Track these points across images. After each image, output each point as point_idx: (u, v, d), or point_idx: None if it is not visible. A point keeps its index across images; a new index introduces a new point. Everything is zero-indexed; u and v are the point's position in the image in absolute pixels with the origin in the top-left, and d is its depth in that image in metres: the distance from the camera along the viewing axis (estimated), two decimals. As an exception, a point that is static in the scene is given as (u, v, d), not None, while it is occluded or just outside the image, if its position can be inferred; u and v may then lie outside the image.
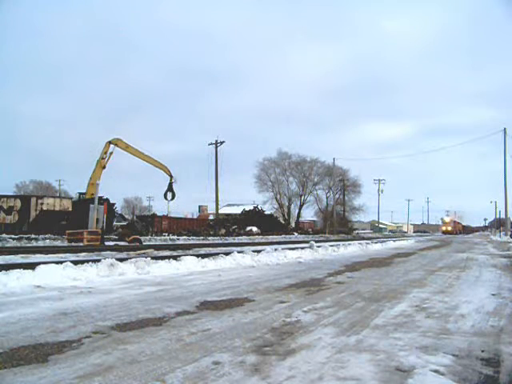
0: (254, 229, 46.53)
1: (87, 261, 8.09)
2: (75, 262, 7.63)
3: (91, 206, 18.63)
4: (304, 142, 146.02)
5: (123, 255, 11.59)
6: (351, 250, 17.77)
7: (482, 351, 3.24)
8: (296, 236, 45.84)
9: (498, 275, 8.94)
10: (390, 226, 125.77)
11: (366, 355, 3.08)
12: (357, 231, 73.52)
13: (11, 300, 4.92)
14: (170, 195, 30.96)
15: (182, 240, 28.24)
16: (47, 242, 19.73)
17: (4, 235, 21.73)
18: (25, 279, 6.09)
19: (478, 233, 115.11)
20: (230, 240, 30.71)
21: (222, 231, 41.02)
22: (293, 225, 63.18)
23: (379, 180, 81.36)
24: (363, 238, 38.60)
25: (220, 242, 26.68)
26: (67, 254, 11.69)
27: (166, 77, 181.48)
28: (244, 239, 32.53)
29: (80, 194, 30.18)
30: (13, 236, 21.46)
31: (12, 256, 10.57)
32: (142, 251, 13.31)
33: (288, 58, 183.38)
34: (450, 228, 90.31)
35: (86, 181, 28.21)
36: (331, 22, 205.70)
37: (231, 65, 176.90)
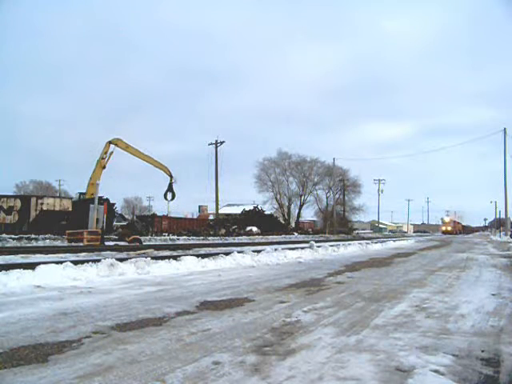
0: (254, 229, 46.53)
1: (87, 261, 8.09)
2: (75, 262, 7.63)
3: (91, 206, 18.62)
4: (304, 141, 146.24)
5: (123, 255, 11.59)
6: (351, 249, 17.77)
7: (482, 351, 3.24)
8: (296, 236, 45.84)
9: (498, 275, 8.94)
10: (390, 225, 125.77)
11: (366, 355, 3.08)
12: (357, 231, 73.52)
13: (11, 300, 4.92)
14: (169, 195, 30.97)
15: (182, 240, 28.23)
16: (47, 242, 19.73)
17: (4, 235, 21.72)
18: (25, 279, 6.09)
19: (477, 233, 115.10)
20: (230, 240, 30.71)
21: (222, 231, 41.01)
22: (293, 225, 63.18)
23: (379, 180, 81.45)
24: (363, 238, 38.60)
25: (220, 241, 26.68)
26: (67, 254, 11.69)
27: (165, 77, 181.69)
28: (244, 239, 32.53)
29: (80, 193, 30.19)
30: (13, 236, 21.46)
31: (12, 256, 10.57)
32: (142, 251, 13.31)
33: (288, 58, 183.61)
34: (449, 228, 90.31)
35: (85, 181, 28.28)
36: (331, 22, 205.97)
37: (231, 65, 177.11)
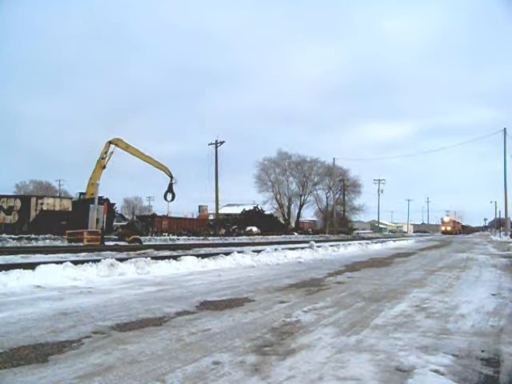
0: (254, 229, 46.53)
1: (87, 261, 8.09)
2: (75, 262, 7.63)
3: (91, 206, 18.62)
4: (304, 141, 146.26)
5: (123, 255, 11.59)
6: (351, 249, 17.77)
7: (482, 351, 3.24)
8: (296, 236, 45.84)
9: (497, 275, 8.94)
10: (390, 225, 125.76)
11: (366, 355, 3.08)
12: (357, 231, 73.52)
13: (11, 300, 4.92)
14: (169, 196, 30.93)
15: (182, 240, 28.23)
16: (47, 242, 19.72)
17: (4, 235, 21.72)
18: (25, 279, 6.09)
19: (477, 233, 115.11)
20: (230, 240, 30.71)
21: (222, 231, 41.01)
22: (293, 225, 63.18)
23: (379, 180, 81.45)
24: (363, 238, 38.59)
25: (220, 241, 26.67)
26: (67, 254, 11.68)
27: (166, 77, 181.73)
28: (244, 239, 32.52)
29: (80, 193, 30.18)
30: (13, 236, 21.45)
31: (12, 256, 10.57)
32: (142, 251, 13.31)
33: (288, 58, 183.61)
34: (449, 228, 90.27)
35: (85, 181, 28.28)
36: (331, 22, 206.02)
37: (231, 65, 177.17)
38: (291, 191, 66.54)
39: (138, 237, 21.21)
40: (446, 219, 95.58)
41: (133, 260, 8.37)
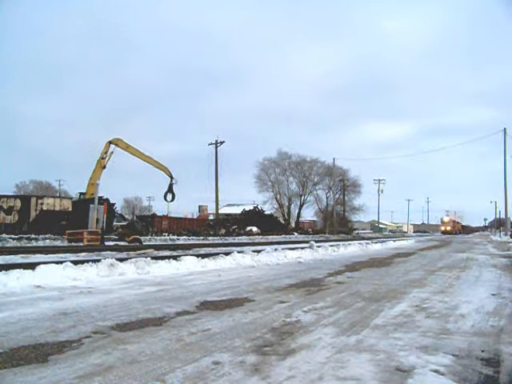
0: (254, 229, 46.53)
1: (87, 261, 8.09)
2: (75, 262, 7.63)
3: (91, 206, 18.62)
4: (304, 141, 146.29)
5: (123, 255, 11.59)
6: (351, 249, 17.77)
7: (482, 351, 3.24)
8: (296, 236, 45.84)
9: (497, 275, 8.94)
10: (390, 226, 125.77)
11: (366, 355, 3.08)
12: (357, 231, 73.52)
13: (11, 300, 4.92)
14: (169, 196, 30.89)
15: (182, 240, 28.23)
16: (47, 242, 19.72)
17: (4, 235, 21.72)
18: (25, 279, 6.09)
19: (477, 233, 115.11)
20: (230, 240, 30.71)
21: (222, 231, 41.02)
22: (293, 225, 63.19)
23: (379, 180, 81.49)
24: (363, 238, 38.60)
25: (220, 241, 26.68)
26: (67, 254, 11.69)
27: (166, 77, 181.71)
28: (244, 239, 32.53)
29: (80, 193, 30.18)
30: (13, 236, 21.45)
31: (12, 256, 10.57)
32: (142, 251, 13.31)
33: (288, 58, 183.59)
34: (449, 228, 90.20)
35: (85, 181, 28.28)
36: (331, 22, 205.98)
37: (231, 65, 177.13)
38: (291, 191, 66.65)
39: (138, 237, 21.21)
40: (446, 219, 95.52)
41: (133, 260, 8.37)
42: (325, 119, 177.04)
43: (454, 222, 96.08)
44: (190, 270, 8.57)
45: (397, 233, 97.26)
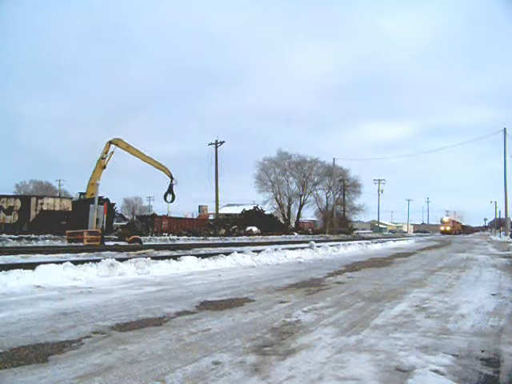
0: (254, 229, 46.53)
1: (87, 261, 8.09)
2: (75, 262, 7.63)
3: (91, 205, 18.62)
4: (304, 141, 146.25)
5: (123, 255, 11.59)
6: (351, 249, 17.77)
7: (482, 351, 3.24)
8: (296, 236, 45.84)
9: (497, 275, 8.94)
10: (390, 226, 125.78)
11: (366, 355, 3.08)
12: (357, 231, 73.53)
13: (11, 300, 4.92)
14: (169, 197, 30.80)
15: (182, 240, 28.23)
16: (47, 242, 19.72)
17: (4, 235, 21.72)
18: (25, 279, 6.09)
19: (477, 233, 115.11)
20: (230, 240, 30.71)
21: (222, 231, 41.02)
22: (293, 225, 63.19)
23: (379, 180, 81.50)
24: (363, 238, 38.60)
25: (220, 241, 26.68)
26: (67, 254, 11.68)
27: (166, 77, 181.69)
28: (244, 239, 32.53)
29: (81, 193, 30.16)
30: (13, 236, 21.45)
31: (12, 256, 10.57)
32: (142, 251, 13.31)
33: (288, 58, 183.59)
34: (448, 228, 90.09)
35: (86, 181, 28.25)
36: (331, 22, 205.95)
37: (231, 65, 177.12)
38: (291, 191, 66.66)
39: (138, 237, 21.21)
40: (446, 219, 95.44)
41: (133, 260, 8.36)
42: (325, 119, 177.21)
43: (453, 222, 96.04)
44: (190, 270, 8.57)
45: (397, 233, 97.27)
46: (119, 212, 49.43)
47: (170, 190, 30.66)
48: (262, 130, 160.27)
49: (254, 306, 4.89)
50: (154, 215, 40.76)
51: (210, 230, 41.72)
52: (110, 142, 28.25)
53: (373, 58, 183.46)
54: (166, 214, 48.55)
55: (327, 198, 69.24)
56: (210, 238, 33.47)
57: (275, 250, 13.04)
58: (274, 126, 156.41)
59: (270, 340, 3.45)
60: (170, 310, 4.62)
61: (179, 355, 3.02)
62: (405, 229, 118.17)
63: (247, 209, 56.91)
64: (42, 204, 28.69)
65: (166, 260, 9.16)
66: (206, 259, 9.78)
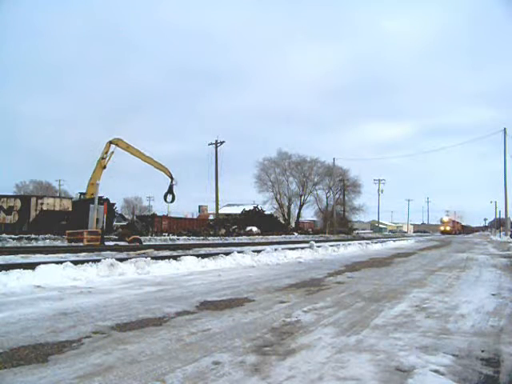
0: (254, 229, 46.53)
1: (87, 261, 8.09)
2: (75, 262, 7.63)
3: (91, 206, 18.62)
4: (304, 141, 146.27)
5: (123, 255, 11.59)
6: (351, 249, 17.77)
7: (482, 351, 3.24)
8: (296, 236, 45.84)
9: (497, 275, 8.94)
10: (390, 226, 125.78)
11: (366, 355, 3.08)
12: (357, 231, 73.53)
13: (11, 300, 4.92)
14: (170, 197, 30.75)
15: (182, 240, 28.23)
16: (47, 242, 19.72)
17: (4, 235, 21.72)
18: (25, 279, 6.09)
19: (477, 233, 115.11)
20: (230, 240, 30.71)
21: (222, 231, 41.02)
22: (293, 225, 63.19)
23: (379, 180, 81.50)
24: (363, 238, 38.60)
25: (220, 241, 26.68)
26: (67, 254, 11.68)
27: (166, 77, 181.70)
28: (244, 239, 32.53)
29: (81, 193, 30.16)
30: (13, 236, 21.45)
31: (12, 256, 10.57)
32: (142, 251, 13.31)
33: (288, 58, 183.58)
34: (448, 228, 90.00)
35: (86, 181, 28.24)
36: (331, 22, 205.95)
37: (231, 65, 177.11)
38: (291, 191, 66.66)
39: (138, 237, 21.21)
40: (446, 219, 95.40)
41: (133, 260, 8.36)
42: (325, 119, 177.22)
43: (453, 221, 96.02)
44: (190, 270, 8.57)
45: (397, 233, 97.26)
46: (119, 212, 49.42)
47: (170, 191, 30.64)
48: (262, 130, 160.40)
49: (254, 306, 4.89)
50: (154, 215, 40.76)
51: (210, 230, 41.72)
52: (110, 142, 28.25)
53: (373, 57, 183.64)
54: (166, 214, 48.61)
55: (327, 197, 69.36)
56: (210, 238, 33.46)
57: (275, 250, 13.04)
58: (273, 126, 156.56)
59: (270, 340, 3.45)
60: (169, 309, 4.62)
61: (179, 355, 3.02)
62: (405, 229, 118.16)
63: (247, 209, 56.91)
64: (41, 204, 28.69)
65: (166, 260, 9.16)
66: (205, 259, 9.78)
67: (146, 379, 2.53)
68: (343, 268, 9.99)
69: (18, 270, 6.48)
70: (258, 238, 35.14)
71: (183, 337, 3.52)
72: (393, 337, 3.62)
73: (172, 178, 30.47)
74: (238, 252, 11.37)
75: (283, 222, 59.86)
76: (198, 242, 24.54)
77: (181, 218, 45.69)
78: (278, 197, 65.49)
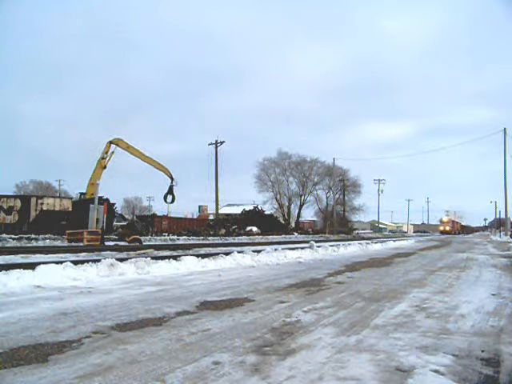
0: (254, 229, 46.53)
1: (87, 261, 8.09)
2: (75, 262, 7.63)
3: (91, 206, 18.62)
4: (304, 141, 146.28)
5: (123, 255, 11.59)
6: (351, 249, 17.77)
7: (482, 351, 3.24)
8: (296, 236, 45.84)
9: (497, 275, 8.94)
10: (390, 226, 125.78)
11: (366, 355, 3.08)
12: (357, 231, 73.53)
13: (11, 300, 4.92)
14: (170, 198, 30.68)
15: (182, 240, 28.23)
16: (47, 242, 19.72)
17: (4, 235, 21.72)
18: (25, 279, 6.09)
19: (477, 233, 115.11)
20: (230, 240, 30.71)
21: (222, 231, 41.02)
22: (293, 225, 63.19)
23: (379, 180, 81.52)
24: (363, 238, 38.59)
25: (220, 241, 26.67)
26: (67, 254, 11.68)
27: (166, 77, 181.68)
28: (244, 239, 32.52)
29: (81, 193, 30.15)
30: (13, 236, 21.45)
31: (12, 256, 10.57)
32: (142, 251, 13.31)
33: (288, 58, 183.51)
34: (448, 228, 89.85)
35: (86, 181, 28.22)
36: (331, 22, 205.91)
37: (231, 65, 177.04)
38: (291, 191, 66.67)
39: (138, 237, 21.21)
40: (445, 219, 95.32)
41: (133, 260, 8.36)
42: (325, 119, 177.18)
43: (453, 221, 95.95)
44: (190, 270, 8.57)
45: (397, 233, 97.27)
46: (119, 212, 49.43)
47: (170, 191, 30.59)
48: (262, 130, 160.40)
49: (254, 306, 4.89)
50: (153, 215, 40.76)
51: (210, 230, 41.72)
52: (111, 142, 28.23)
53: (373, 57, 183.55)
54: (165, 214, 48.63)
55: (327, 197, 69.37)
56: (209, 238, 33.47)
57: (275, 250, 13.04)
58: (274, 126, 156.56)
59: (270, 340, 3.45)
60: (169, 309, 4.62)
61: (179, 355, 3.02)
62: (405, 229, 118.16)
63: (247, 209, 56.92)
64: (41, 204, 28.69)
65: (166, 260, 9.17)
66: (206, 259, 9.78)
67: (146, 379, 2.53)
68: (343, 268, 9.99)
69: (18, 270, 6.48)
70: (258, 238, 35.14)
71: (183, 337, 3.52)
72: (393, 337, 3.62)
73: (172, 178, 30.43)
74: (238, 252, 11.37)
75: (283, 222, 59.86)
76: (197, 242, 24.54)
77: (181, 218, 45.70)
78: (278, 197, 65.58)
